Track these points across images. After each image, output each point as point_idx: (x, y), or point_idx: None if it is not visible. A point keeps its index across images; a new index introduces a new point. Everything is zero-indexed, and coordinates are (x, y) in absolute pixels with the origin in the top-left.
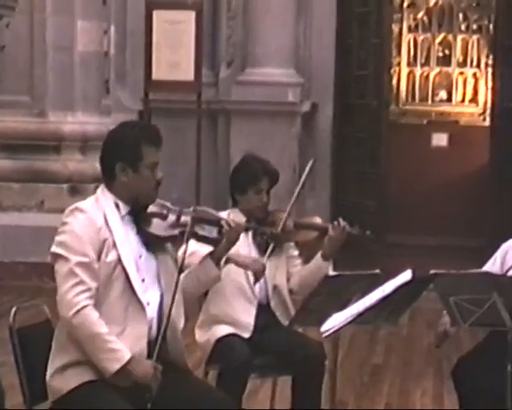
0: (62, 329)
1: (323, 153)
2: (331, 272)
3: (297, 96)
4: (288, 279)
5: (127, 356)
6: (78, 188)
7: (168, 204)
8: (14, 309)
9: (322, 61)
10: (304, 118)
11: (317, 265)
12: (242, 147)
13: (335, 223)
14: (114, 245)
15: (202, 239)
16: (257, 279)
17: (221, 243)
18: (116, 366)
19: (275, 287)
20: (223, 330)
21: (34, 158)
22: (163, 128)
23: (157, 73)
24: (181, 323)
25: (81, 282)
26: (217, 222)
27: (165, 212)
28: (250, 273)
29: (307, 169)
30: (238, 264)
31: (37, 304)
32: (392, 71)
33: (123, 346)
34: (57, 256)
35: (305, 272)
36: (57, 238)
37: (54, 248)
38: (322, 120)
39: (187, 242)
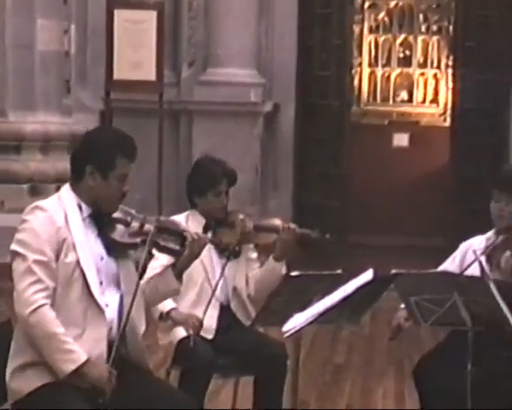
0: (21, 329)
1: (286, 153)
2: (294, 273)
3: (259, 96)
4: (247, 282)
5: (83, 358)
6: (38, 188)
7: (132, 211)
8: None
9: (284, 62)
10: (266, 118)
11: (270, 267)
12: (204, 147)
13: (285, 225)
14: (74, 247)
15: (164, 250)
16: (195, 333)
17: (183, 255)
18: (71, 367)
19: (234, 289)
20: (185, 331)
21: None
22: (124, 128)
23: (118, 73)
24: (142, 325)
25: (39, 280)
26: (180, 234)
27: (128, 219)
28: (211, 274)
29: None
30: (174, 321)
31: None
32: (353, 72)
33: (78, 348)
34: (15, 254)
35: (259, 275)
36: (16, 236)
37: (12, 246)
38: (285, 120)
39: (148, 251)
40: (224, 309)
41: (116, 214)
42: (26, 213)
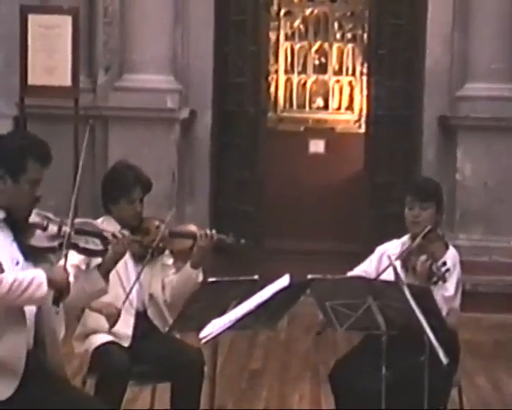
0: None
1: (202, 159)
2: (211, 279)
3: (175, 102)
4: (163, 288)
5: (42, 274)
6: None
7: (50, 215)
8: None
9: (200, 69)
10: (183, 125)
11: (187, 274)
12: (120, 154)
13: (202, 232)
14: None
15: (84, 251)
16: (110, 325)
17: (108, 256)
18: (44, 288)
19: (151, 295)
20: (101, 338)
21: None
22: (39, 134)
23: (33, 78)
24: (61, 332)
25: None
26: (101, 234)
27: (45, 223)
28: (126, 282)
29: (168, 218)
30: (91, 309)
31: None
32: (269, 78)
33: (31, 271)
34: None
35: (175, 281)
36: None
37: None
38: (201, 127)
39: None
40: (141, 316)
41: (32, 219)
42: None
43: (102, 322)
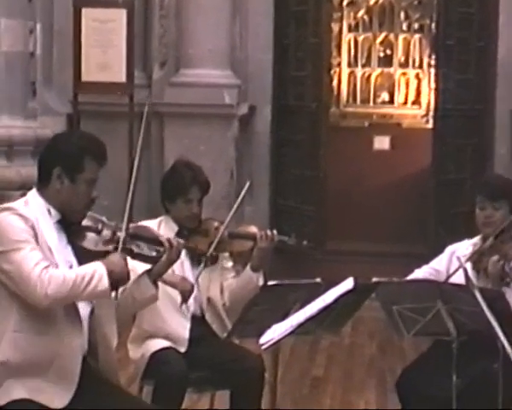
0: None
1: (262, 157)
2: (272, 282)
3: (234, 98)
4: (222, 291)
5: (102, 267)
6: (2, 196)
7: (103, 218)
8: None
9: (259, 62)
10: (241, 121)
11: (247, 277)
12: (176, 152)
13: (263, 233)
14: (50, 251)
15: (138, 257)
16: (184, 300)
17: (160, 262)
18: (106, 281)
19: (209, 299)
20: (157, 343)
21: None
22: (93, 132)
23: (86, 75)
24: (114, 338)
25: (40, 260)
26: (155, 240)
27: (99, 226)
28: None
29: (243, 192)
30: (166, 282)
31: None
32: (332, 72)
33: (92, 265)
34: (2, 254)
35: (235, 285)
36: None
37: None
38: (261, 123)
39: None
40: (198, 320)
41: (86, 222)
42: None
43: (159, 324)
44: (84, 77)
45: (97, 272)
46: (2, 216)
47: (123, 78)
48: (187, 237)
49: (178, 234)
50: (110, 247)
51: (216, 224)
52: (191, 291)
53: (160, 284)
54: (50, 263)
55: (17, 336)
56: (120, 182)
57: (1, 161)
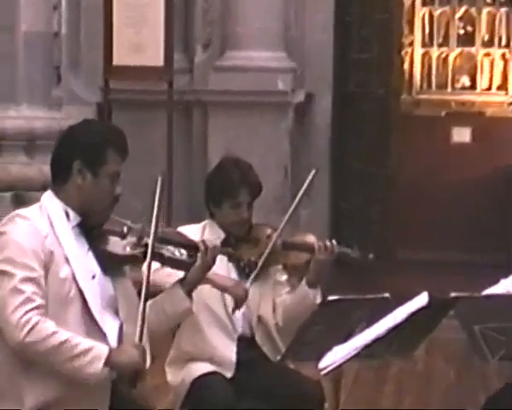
0: (19, 359)
1: (321, 152)
2: (332, 297)
3: (288, 84)
4: (274, 309)
5: (105, 349)
6: (23, 197)
7: (128, 222)
8: None
9: (318, 43)
10: (297, 110)
11: (302, 293)
12: (222, 146)
13: (321, 244)
14: (67, 260)
15: (169, 262)
16: (237, 306)
17: (194, 267)
18: (99, 366)
19: (259, 318)
20: (200, 368)
21: None
22: (126, 123)
23: (118, 58)
24: (147, 362)
25: (28, 299)
26: (187, 243)
27: (125, 229)
28: (229, 298)
29: (307, 182)
30: (216, 285)
31: None
32: (402, 53)
33: (93, 341)
34: None
35: (289, 302)
36: None
37: None
38: (319, 112)
39: (149, 263)
40: (247, 342)
41: (108, 226)
42: (4, 223)
43: (202, 345)
44: (116, 60)
45: (95, 350)
46: (11, 227)
47: (160, 61)
48: (234, 246)
49: (225, 242)
50: (137, 251)
51: (268, 231)
52: (245, 297)
53: (198, 294)
54: (39, 306)
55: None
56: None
57: (20, 157)
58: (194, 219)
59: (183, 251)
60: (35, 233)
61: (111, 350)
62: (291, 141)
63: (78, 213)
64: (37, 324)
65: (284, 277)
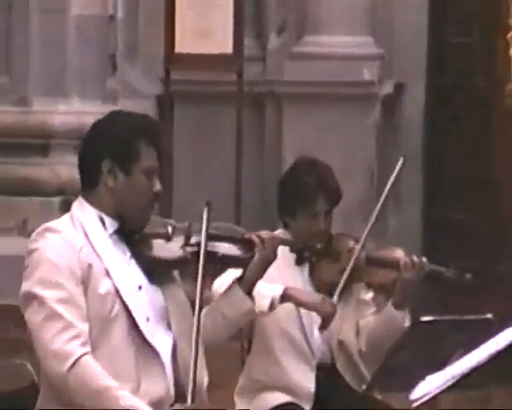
0: (55, 393)
1: (412, 151)
2: (426, 318)
3: (375, 73)
4: (358, 333)
5: None
6: (73, 202)
7: (171, 221)
8: None
9: (409, 26)
10: (384, 104)
11: (388, 316)
12: (298, 145)
13: (408, 260)
14: (107, 273)
15: (224, 260)
16: (325, 325)
17: (251, 264)
18: None
19: (341, 343)
20: (275, 398)
21: (13, 162)
22: (189, 119)
23: (181, 45)
24: (205, 376)
25: (69, 325)
26: (242, 237)
27: (169, 229)
28: (307, 321)
29: (395, 173)
30: (300, 302)
31: (17, 363)
32: (508, 36)
33: (140, 402)
34: (28, 297)
35: (374, 325)
36: (25, 273)
37: (23, 288)
38: (410, 105)
39: (202, 265)
40: (327, 370)
41: (150, 228)
42: (33, 239)
43: (276, 373)
44: (179, 48)
45: None
46: (41, 243)
47: (229, 48)
48: (312, 262)
49: (300, 256)
50: (187, 253)
51: (351, 243)
52: (333, 314)
53: (275, 321)
54: (80, 333)
55: None
56: (226, 182)
57: (70, 157)
58: (265, 225)
59: (238, 246)
60: (68, 247)
61: None
62: (378, 139)
63: (115, 218)
64: (81, 357)
65: (369, 295)
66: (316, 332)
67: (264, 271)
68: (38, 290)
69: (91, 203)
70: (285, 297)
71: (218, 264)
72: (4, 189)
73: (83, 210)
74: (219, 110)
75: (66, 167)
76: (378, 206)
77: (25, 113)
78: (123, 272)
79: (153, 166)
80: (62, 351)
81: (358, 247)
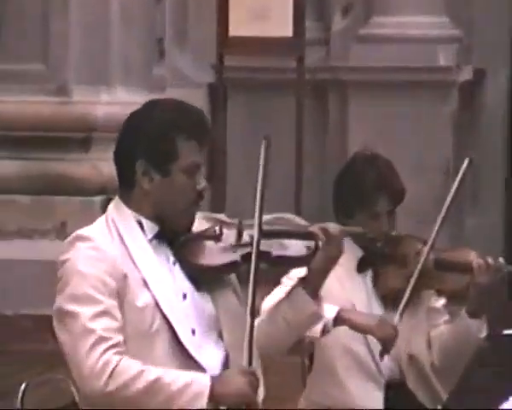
0: None
1: (493, 145)
2: (507, 331)
3: (452, 57)
4: (430, 345)
5: (206, 381)
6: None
7: (222, 216)
8: (22, 386)
9: (489, 4)
10: (462, 91)
11: (463, 326)
12: (365, 137)
13: (481, 262)
14: (145, 284)
15: (282, 261)
16: (385, 350)
17: (315, 262)
18: (203, 404)
19: (411, 357)
20: None
21: (50, 158)
22: (245, 109)
23: (236, 27)
24: (261, 393)
25: (103, 339)
26: (303, 232)
27: (217, 229)
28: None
29: (459, 178)
30: (356, 326)
31: (56, 378)
32: None
33: (190, 373)
34: (60, 314)
35: (446, 335)
36: (58, 286)
37: (56, 303)
38: (492, 94)
39: (254, 268)
40: (396, 388)
41: (197, 226)
42: (64, 250)
43: (338, 394)
44: (233, 31)
45: (195, 384)
46: (72, 253)
47: (288, 31)
48: (374, 267)
49: (362, 262)
50: (237, 255)
51: (419, 246)
52: (395, 337)
53: (337, 338)
54: (117, 344)
55: None
56: (284, 179)
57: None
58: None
59: (298, 242)
60: (101, 257)
61: (213, 380)
62: (455, 131)
63: (154, 221)
64: (117, 365)
65: (441, 302)
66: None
67: (329, 270)
68: (70, 307)
69: (129, 205)
70: (339, 320)
71: (273, 266)
72: (41, 188)
73: (119, 213)
74: (277, 100)
75: (108, 164)
76: (442, 213)
77: (63, 103)
78: (164, 282)
79: (194, 162)
80: (96, 366)
81: (426, 249)
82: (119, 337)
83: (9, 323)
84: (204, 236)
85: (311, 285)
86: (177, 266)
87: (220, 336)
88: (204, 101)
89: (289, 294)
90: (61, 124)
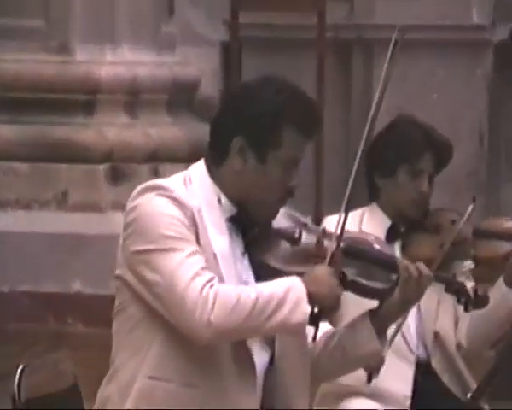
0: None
1: None
2: None
3: (486, 15)
4: (457, 323)
5: (299, 284)
6: (122, 170)
7: (305, 219)
8: (20, 368)
9: None
10: (498, 52)
11: (499, 295)
12: (392, 103)
13: None
14: (215, 258)
15: (353, 287)
16: (370, 378)
17: (391, 301)
18: (305, 309)
19: (436, 335)
20: (362, 404)
21: (51, 122)
22: (261, 70)
23: None
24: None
25: (201, 272)
26: (388, 262)
27: (297, 231)
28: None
29: (463, 220)
30: None
31: (56, 360)
32: None
33: (282, 280)
34: (150, 254)
35: (481, 311)
36: (135, 229)
37: (137, 247)
38: None
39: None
40: (421, 368)
41: (276, 222)
42: (134, 197)
43: (361, 378)
44: None
45: (292, 292)
46: (146, 199)
47: None
48: (406, 237)
49: (391, 231)
50: (309, 268)
51: (454, 216)
52: (381, 363)
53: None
54: (215, 275)
55: (154, 385)
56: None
57: (119, 117)
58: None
59: (380, 272)
60: (179, 206)
61: (305, 281)
62: (490, 95)
63: (234, 203)
64: (219, 294)
65: (470, 284)
66: (412, 323)
67: (403, 311)
68: (162, 245)
69: (212, 177)
70: None
71: (345, 289)
72: (41, 154)
73: (202, 180)
74: (296, 59)
75: (114, 129)
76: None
77: (65, 63)
78: (231, 265)
79: (295, 157)
80: (201, 296)
81: (464, 218)
82: (212, 274)
83: (6, 300)
84: (281, 235)
85: (381, 322)
86: (246, 259)
87: (268, 342)
88: (217, 60)
89: (354, 322)
90: (63, 85)
